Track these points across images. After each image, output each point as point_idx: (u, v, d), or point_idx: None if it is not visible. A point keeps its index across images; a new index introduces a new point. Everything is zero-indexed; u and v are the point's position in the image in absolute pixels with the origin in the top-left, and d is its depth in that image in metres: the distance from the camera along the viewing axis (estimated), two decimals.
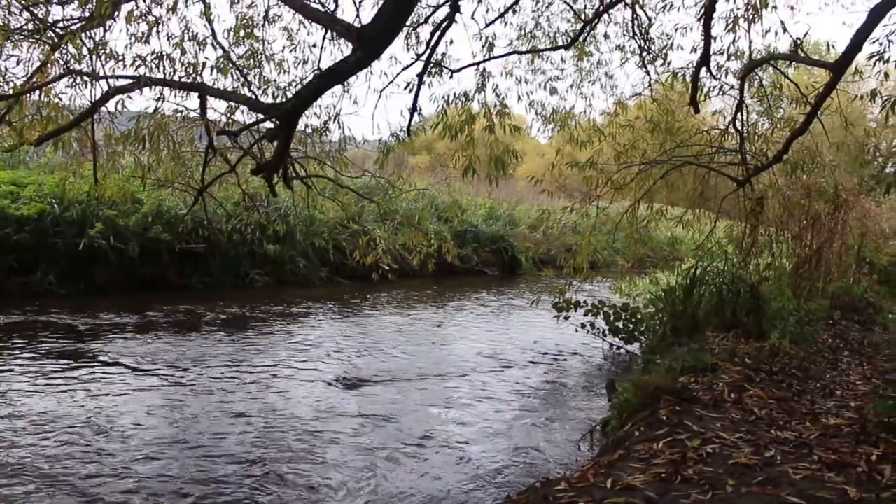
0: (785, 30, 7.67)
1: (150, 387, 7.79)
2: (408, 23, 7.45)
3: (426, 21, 8.08)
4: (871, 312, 10.91)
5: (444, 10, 7.56)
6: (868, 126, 17.21)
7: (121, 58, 6.95)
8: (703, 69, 7.97)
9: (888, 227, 13.31)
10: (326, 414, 7.08)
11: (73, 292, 13.08)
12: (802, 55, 7.37)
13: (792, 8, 8.24)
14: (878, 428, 4.58)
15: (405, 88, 7.99)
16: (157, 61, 7.19)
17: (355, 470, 5.65)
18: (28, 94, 6.46)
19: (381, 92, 8.23)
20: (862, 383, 6.56)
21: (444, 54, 8.14)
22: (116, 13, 6.01)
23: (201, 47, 7.58)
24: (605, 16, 8.57)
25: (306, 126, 8.61)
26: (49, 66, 6.36)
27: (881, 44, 6.83)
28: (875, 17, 6.00)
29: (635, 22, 8.67)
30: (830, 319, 10.00)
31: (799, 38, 7.27)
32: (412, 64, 7.97)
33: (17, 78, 6.52)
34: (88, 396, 7.29)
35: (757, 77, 8.86)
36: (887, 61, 6.92)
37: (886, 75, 7.35)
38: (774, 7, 7.86)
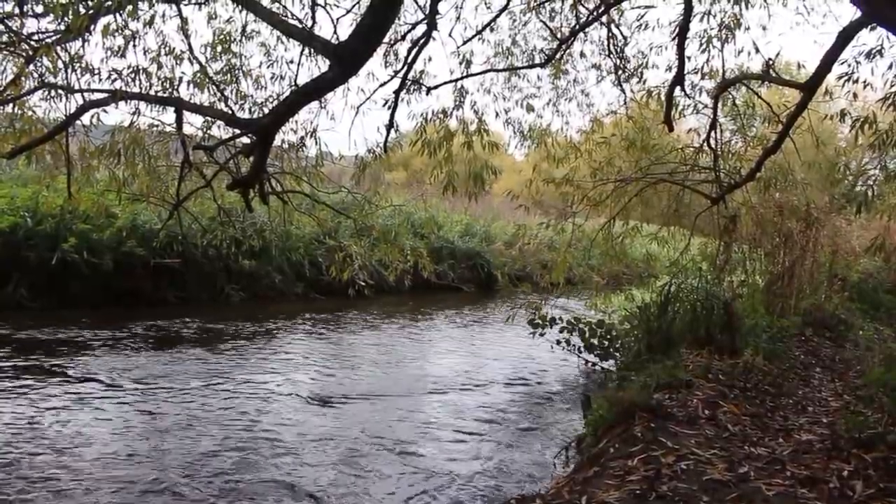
0: (757, 50, 7.78)
1: (121, 403, 7.69)
2: (385, 40, 7.47)
3: (403, 38, 8.12)
4: (842, 329, 11.03)
5: (422, 28, 7.60)
6: (838, 145, 17.49)
7: (96, 71, 6.91)
8: (678, 88, 8.08)
9: (858, 244, 13.48)
10: (299, 431, 7.03)
11: (46, 306, 12.88)
12: (774, 75, 7.49)
13: (764, 28, 8.37)
14: (849, 444, 4.63)
15: (383, 105, 8.03)
16: (133, 75, 7.15)
17: (327, 487, 5.62)
18: (1, 107, 6.39)
19: (358, 108, 8.27)
20: (834, 399, 6.62)
21: (421, 71, 8.18)
22: (92, 27, 5.96)
23: (178, 62, 7.55)
24: (581, 34, 8.64)
25: (283, 141, 8.59)
26: (23, 78, 6.30)
27: (850, 65, 6.97)
28: (843, 39, 6.12)
29: (611, 41, 8.76)
30: (803, 336, 10.10)
31: (771, 59, 7.37)
32: (389, 80, 8.01)
33: None
34: (58, 412, 7.18)
35: (730, 96, 8.98)
36: (856, 82, 7.06)
37: (855, 95, 7.50)
38: (747, 28, 8.00)
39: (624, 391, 6.04)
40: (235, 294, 15.84)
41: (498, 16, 8.43)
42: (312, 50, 7.54)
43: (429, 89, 8.16)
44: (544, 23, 8.72)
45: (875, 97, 7.32)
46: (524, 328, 10.41)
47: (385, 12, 6.16)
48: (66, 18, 5.67)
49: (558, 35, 8.62)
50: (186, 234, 12.36)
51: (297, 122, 8.43)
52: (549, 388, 9.40)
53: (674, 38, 7.75)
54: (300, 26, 7.36)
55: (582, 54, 9.18)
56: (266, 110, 7.86)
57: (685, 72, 7.93)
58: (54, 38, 6.22)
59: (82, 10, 5.40)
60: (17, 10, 6.40)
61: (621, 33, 8.71)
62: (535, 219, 12.51)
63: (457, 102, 8.20)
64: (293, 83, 8.19)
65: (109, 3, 5.48)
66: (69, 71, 6.60)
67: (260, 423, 7.20)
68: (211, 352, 10.51)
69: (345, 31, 8.10)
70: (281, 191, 8.59)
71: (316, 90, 6.80)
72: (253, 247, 15.13)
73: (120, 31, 6.76)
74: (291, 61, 8.36)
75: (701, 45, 8.10)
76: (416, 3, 7.71)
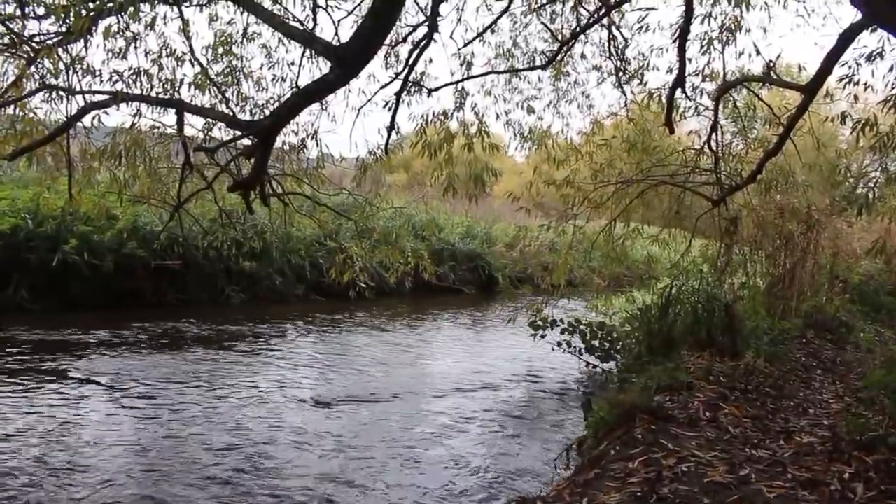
0: (758, 52, 7.78)
1: (122, 405, 7.69)
2: (386, 42, 7.47)
3: (405, 40, 8.10)
4: (843, 331, 11.00)
5: (423, 30, 7.59)
6: (839, 147, 17.45)
7: (98, 73, 6.92)
8: (679, 90, 8.06)
9: (859, 246, 13.47)
10: (300, 433, 7.03)
11: (47, 308, 12.90)
12: (775, 77, 7.49)
13: (764, 30, 8.36)
14: (850, 446, 4.62)
15: (384, 107, 8.02)
16: (134, 77, 7.16)
17: (328, 490, 5.61)
18: (3, 109, 6.40)
19: (359, 110, 8.26)
20: (835, 401, 6.61)
21: (422, 73, 8.17)
22: (94, 28, 5.96)
23: (179, 64, 7.55)
24: (582, 36, 8.63)
25: (284, 143, 8.59)
26: (24, 80, 6.30)
27: (850, 67, 6.97)
28: (844, 41, 6.12)
29: (612, 43, 8.75)
30: (804, 338, 10.08)
31: (772, 61, 7.38)
32: (390, 82, 8.00)
33: None
34: (58, 414, 7.18)
35: (731, 98, 8.97)
36: (857, 84, 7.06)
37: (856, 98, 7.50)
38: (748, 30, 8.00)
39: (625, 393, 6.03)
40: (236, 295, 15.85)
41: (499, 18, 8.42)
42: (313, 52, 7.55)
43: (430, 91, 8.16)
44: (545, 25, 8.72)
45: (876, 99, 7.34)
46: (525, 330, 10.40)
47: (386, 14, 6.16)
48: (67, 20, 5.68)
49: (559, 37, 8.61)
50: (187, 236, 12.38)
51: (297, 123, 8.45)
52: (550, 389, 9.40)
53: (675, 41, 7.73)
54: (301, 28, 7.36)
55: (583, 56, 9.18)
56: (267, 112, 7.86)
57: (686, 74, 7.92)
58: (56, 39, 6.22)
59: (84, 12, 5.40)
60: (18, 12, 6.40)
61: (622, 35, 8.71)
62: (535, 221, 12.48)
63: (457, 104, 8.21)
64: (294, 85, 8.19)
65: (111, 4, 5.49)
66: (70, 73, 6.61)
67: (263, 425, 7.20)
68: (212, 353, 10.51)
69: (346, 33, 8.12)
70: (282, 192, 8.59)
71: (317, 92, 6.80)
72: (254, 248, 15.17)
73: (121, 33, 6.77)
74: (292, 63, 8.36)
75: (702, 47, 8.12)
76: (418, 4, 7.72)
